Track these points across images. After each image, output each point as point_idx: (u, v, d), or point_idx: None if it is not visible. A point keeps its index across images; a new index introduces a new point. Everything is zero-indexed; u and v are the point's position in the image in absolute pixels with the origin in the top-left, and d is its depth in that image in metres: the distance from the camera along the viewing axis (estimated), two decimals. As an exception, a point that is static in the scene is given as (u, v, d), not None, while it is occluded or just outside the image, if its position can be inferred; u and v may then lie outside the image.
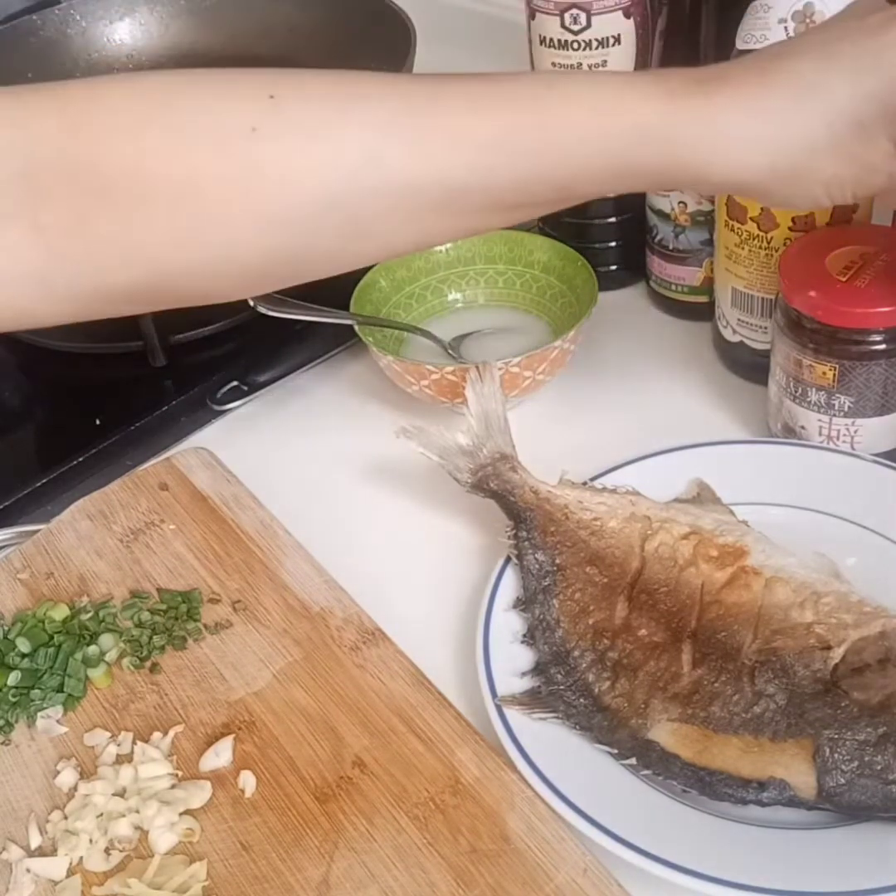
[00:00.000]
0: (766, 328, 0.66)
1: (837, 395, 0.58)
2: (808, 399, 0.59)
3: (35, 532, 0.65)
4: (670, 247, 0.73)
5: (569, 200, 0.45)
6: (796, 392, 0.59)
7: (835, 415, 0.59)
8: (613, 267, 0.79)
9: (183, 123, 0.40)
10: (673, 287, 0.75)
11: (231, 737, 0.53)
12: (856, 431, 0.59)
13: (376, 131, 0.41)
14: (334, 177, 0.41)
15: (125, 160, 0.40)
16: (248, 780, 0.51)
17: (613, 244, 0.78)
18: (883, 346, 0.56)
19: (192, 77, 0.42)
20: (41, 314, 0.43)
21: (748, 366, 0.69)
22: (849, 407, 0.58)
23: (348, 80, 0.42)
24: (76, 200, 0.40)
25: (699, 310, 0.75)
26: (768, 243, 0.63)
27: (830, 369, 0.57)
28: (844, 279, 0.56)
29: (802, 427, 0.60)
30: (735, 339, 0.69)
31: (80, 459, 0.71)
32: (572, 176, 0.43)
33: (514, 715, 0.50)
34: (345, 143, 0.41)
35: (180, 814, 0.50)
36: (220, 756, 0.52)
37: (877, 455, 0.60)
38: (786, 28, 0.57)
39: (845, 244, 0.59)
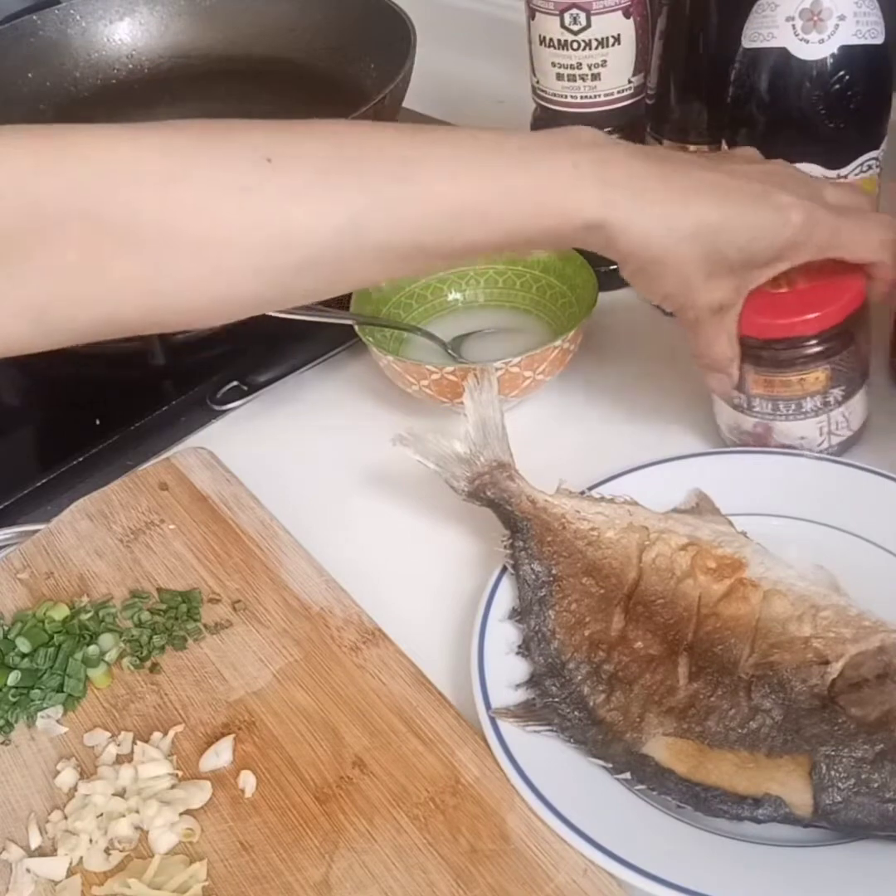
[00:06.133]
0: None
1: (832, 390, 0.58)
2: (804, 409, 0.59)
3: (35, 532, 0.65)
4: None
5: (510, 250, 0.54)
6: (789, 411, 0.59)
7: (831, 410, 0.59)
8: (613, 267, 0.78)
9: (200, 179, 0.45)
10: (673, 287, 0.75)
11: (231, 737, 0.53)
12: (849, 414, 0.60)
13: (360, 196, 0.47)
14: (320, 236, 0.46)
15: (146, 213, 0.44)
16: (248, 780, 0.51)
17: (613, 244, 0.78)
18: (857, 325, 0.57)
19: (197, 133, 0.46)
20: (28, 345, 0.46)
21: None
22: (842, 395, 0.58)
23: (338, 141, 0.48)
24: (97, 246, 0.44)
25: (699, 310, 0.75)
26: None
27: (823, 372, 0.57)
28: (792, 288, 0.56)
29: (802, 438, 0.60)
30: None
31: (80, 459, 0.70)
32: (525, 240, 0.50)
33: (508, 727, 0.50)
34: (333, 206, 0.46)
35: (180, 814, 0.50)
36: (220, 756, 0.52)
37: (859, 429, 0.61)
38: (793, 26, 0.57)
39: None
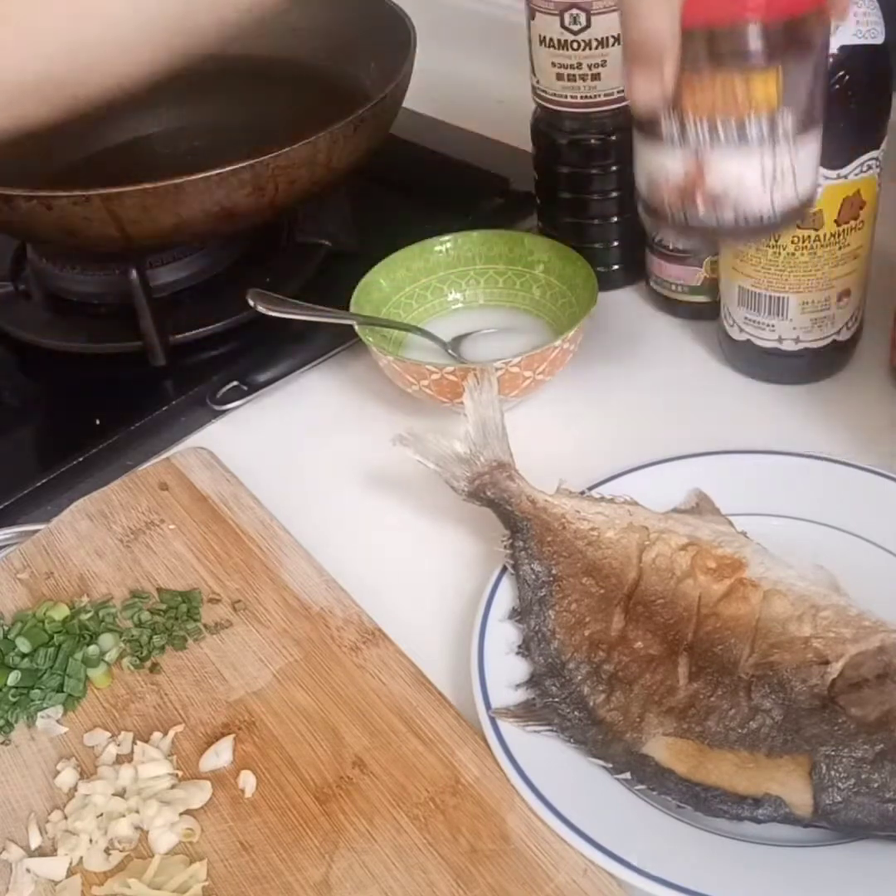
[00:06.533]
0: (773, 326, 0.67)
1: (780, 114, 0.48)
2: (747, 134, 0.48)
3: (35, 532, 0.65)
4: (670, 247, 0.73)
5: None
6: (729, 135, 0.48)
7: (777, 145, 0.49)
8: (614, 267, 0.79)
9: None
10: (673, 287, 0.75)
11: (231, 737, 0.53)
12: (798, 167, 0.50)
13: None
14: None
15: None
16: (248, 780, 0.51)
17: (613, 244, 0.78)
18: (815, 30, 0.48)
19: None
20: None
21: (755, 364, 0.69)
22: (792, 128, 0.48)
23: None
24: None
25: (699, 309, 0.75)
26: (775, 242, 0.63)
27: (772, 77, 0.47)
28: None
29: (739, 188, 0.49)
30: (741, 337, 0.69)
31: (80, 459, 0.70)
32: None
33: (508, 727, 0.50)
34: None
35: (180, 814, 0.50)
36: (220, 756, 0.52)
37: (805, 201, 0.51)
38: None
39: None
